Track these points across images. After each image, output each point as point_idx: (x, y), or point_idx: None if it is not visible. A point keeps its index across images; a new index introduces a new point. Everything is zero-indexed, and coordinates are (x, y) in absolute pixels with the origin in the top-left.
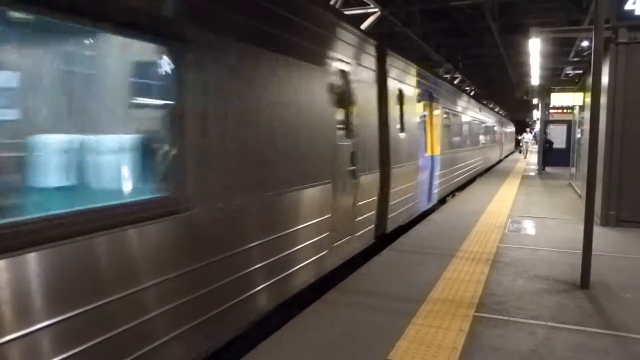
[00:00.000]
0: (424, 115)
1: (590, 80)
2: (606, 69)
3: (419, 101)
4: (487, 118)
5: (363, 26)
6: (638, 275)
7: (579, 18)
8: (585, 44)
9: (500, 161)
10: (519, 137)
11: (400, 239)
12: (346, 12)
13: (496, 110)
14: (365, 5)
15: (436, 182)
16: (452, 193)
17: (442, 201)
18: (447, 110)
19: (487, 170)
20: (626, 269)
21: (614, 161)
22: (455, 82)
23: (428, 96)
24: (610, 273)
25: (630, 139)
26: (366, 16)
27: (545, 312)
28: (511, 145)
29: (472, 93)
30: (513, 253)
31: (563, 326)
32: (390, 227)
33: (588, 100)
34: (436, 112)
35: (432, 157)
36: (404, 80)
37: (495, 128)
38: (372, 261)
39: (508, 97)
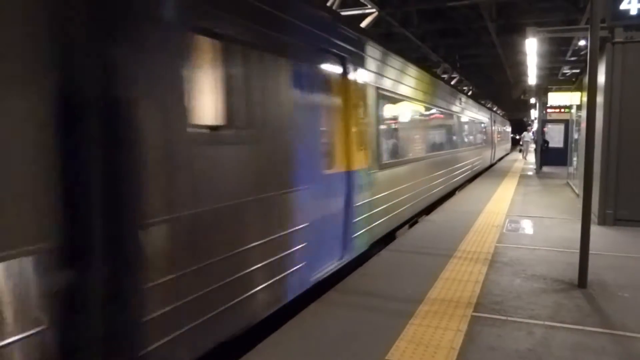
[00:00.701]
0: (328, 100)
1: (587, 79)
2: (603, 68)
3: (302, 71)
4: (472, 113)
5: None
6: (635, 274)
7: (576, 17)
8: (582, 43)
9: (491, 166)
10: (517, 137)
11: (399, 239)
12: (343, 13)
13: (484, 103)
14: (363, 5)
15: (360, 217)
16: (410, 221)
17: (384, 239)
18: (389, 95)
19: (473, 178)
20: (624, 268)
21: (611, 160)
22: (453, 82)
23: (334, 64)
24: (608, 272)
25: (628, 138)
26: (363, 17)
27: (543, 312)
28: (506, 146)
29: (469, 93)
30: (511, 253)
31: (561, 325)
32: None
33: (585, 99)
34: (358, 96)
35: (350, 174)
36: (242, 25)
37: (484, 126)
38: (370, 261)
39: (506, 96)
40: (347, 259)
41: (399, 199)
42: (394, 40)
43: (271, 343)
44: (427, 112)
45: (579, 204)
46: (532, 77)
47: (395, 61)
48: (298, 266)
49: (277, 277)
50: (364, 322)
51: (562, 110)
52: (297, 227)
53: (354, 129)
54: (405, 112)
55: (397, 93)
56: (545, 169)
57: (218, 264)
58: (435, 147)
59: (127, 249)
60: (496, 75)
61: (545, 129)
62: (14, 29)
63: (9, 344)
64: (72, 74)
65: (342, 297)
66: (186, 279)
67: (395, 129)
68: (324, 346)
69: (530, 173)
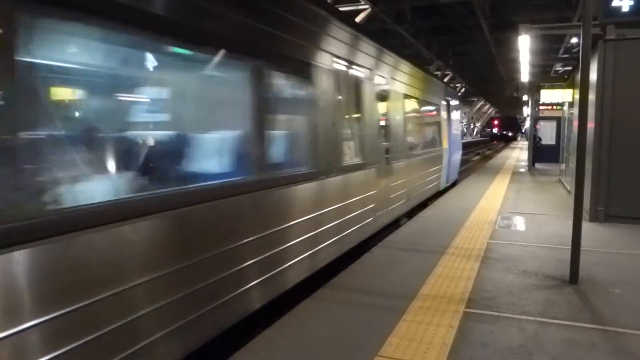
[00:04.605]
0: None
1: (579, 76)
2: (595, 66)
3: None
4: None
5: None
6: (626, 270)
7: (569, 15)
8: (574, 40)
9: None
10: (510, 134)
11: (391, 236)
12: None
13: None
14: (356, 2)
15: None
16: None
17: None
18: None
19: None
20: (614, 264)
21: (602, 157)
22: (446, 79)
23: None
24: (599, 268)
25: (619, 135)
26: (357, 13)
27: (534, 308)
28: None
29: (462, 90)
30: (503, 249)
31: (552, 321)
32: None
33: (577, 96)
34: None
35: None
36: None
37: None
38: (362, 258)
39: (499, 94)
40: None
41: None
42: (388, 37)
43: (264, 340)
44: None
45: (570, 201)
46: (524, 75)
47: None
48: None
49: None
50: (356, 318)
51: (554, 107)
52: None
53: None
54: None
55: None
56: (537, 165)
57: None
58: None
59: None
60: (489, 72)
61: (538, 126)
62: None
63: None
64: None
65: (334, 293)
66: None
67: None
68: (317, 343)
69: (522, 170)
